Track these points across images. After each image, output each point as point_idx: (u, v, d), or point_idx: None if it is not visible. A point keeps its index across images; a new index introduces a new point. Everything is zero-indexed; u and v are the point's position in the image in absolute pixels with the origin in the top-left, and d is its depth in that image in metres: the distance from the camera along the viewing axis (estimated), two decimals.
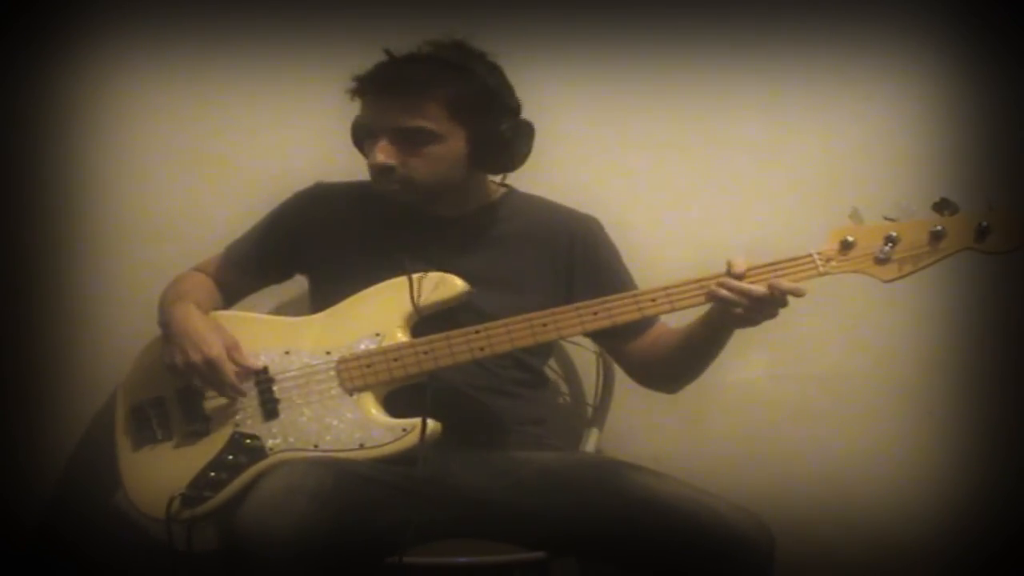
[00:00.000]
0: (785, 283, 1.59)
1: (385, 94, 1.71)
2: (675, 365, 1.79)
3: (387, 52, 1.73)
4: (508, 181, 1.86)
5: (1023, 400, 2.18)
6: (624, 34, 2.12)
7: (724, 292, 1.60)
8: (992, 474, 2.18)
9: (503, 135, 1.73)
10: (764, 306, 1.60)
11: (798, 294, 1.59)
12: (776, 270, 1.60)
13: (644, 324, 1.79)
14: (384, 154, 1.71)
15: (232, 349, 1.71)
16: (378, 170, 1.72)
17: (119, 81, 2.07)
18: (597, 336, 1.85)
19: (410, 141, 1.71)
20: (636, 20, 2.12)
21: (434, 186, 1.75)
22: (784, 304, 1.60)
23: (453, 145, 1.73)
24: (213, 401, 1.74)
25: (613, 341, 1.84)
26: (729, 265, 1.61)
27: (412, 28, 1.77)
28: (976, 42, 2.11)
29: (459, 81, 1.72)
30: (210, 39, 2.07)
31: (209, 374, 1.69)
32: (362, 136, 1.77)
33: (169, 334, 1.74)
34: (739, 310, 1.60)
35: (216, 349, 1.69)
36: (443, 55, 1.73)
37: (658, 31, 2.12)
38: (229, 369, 1.69)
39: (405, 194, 1.74)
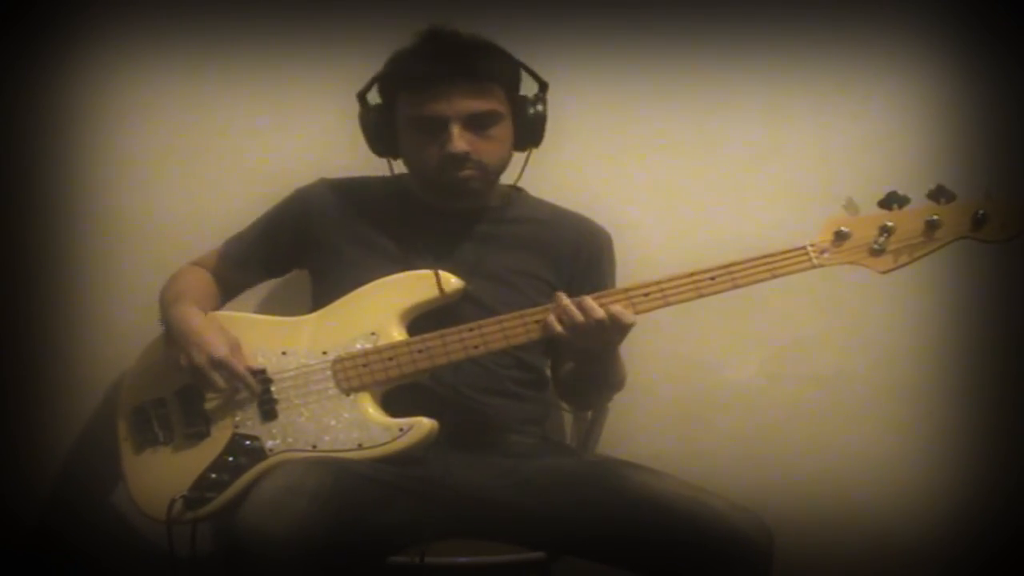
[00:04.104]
0: (596, 309, 1.60)
1: (456, 81, 1.70)
2: (573, 387, 1.85)
3: (436, 40, 1.73)
4: (504, 179, 1.86)
5: (1023, 400, 2.18)
6: (622, 34, 2.12)
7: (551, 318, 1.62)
8: (992, 474, 2.18)
9: (541, 112, 1.78)
10: (589, 330, 1.61)
11: (590, 317, 1.60)
12: (766, 263, 1.59)
13: None
14: (464, 141, 1.71)
15: (235, 349, 1.71)
16: (456, 158, 1.71)
17: (119, 81, 2.07)
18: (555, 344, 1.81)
19: (480, 125, 1.72)
20: (634, 20, 2.12)
21: (497, 170, 1.78)
22: (610, 326, 1.60)
23: (509, 125, 1.76)
24: (213, 402, 1.74)
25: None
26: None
27: (411, 28, 1.77)
28: (975, 42, 2.10)
29: (509, 61, 1.75)
30: (210, 39, 2.07)
31: (215, 375, 1.69)
32: (423, 127, 1.72)
33: (171, 335, 1.74)
34: (566, 331, 1.61)
35: (221, 350, 1.69)
36: (481, 39, 1.75)
37: (656, 31, 2.12)
38: (236, 368, 1.69)
39: (475, 180, 1.75)
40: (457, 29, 1.75)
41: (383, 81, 1.78)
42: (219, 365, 1.68)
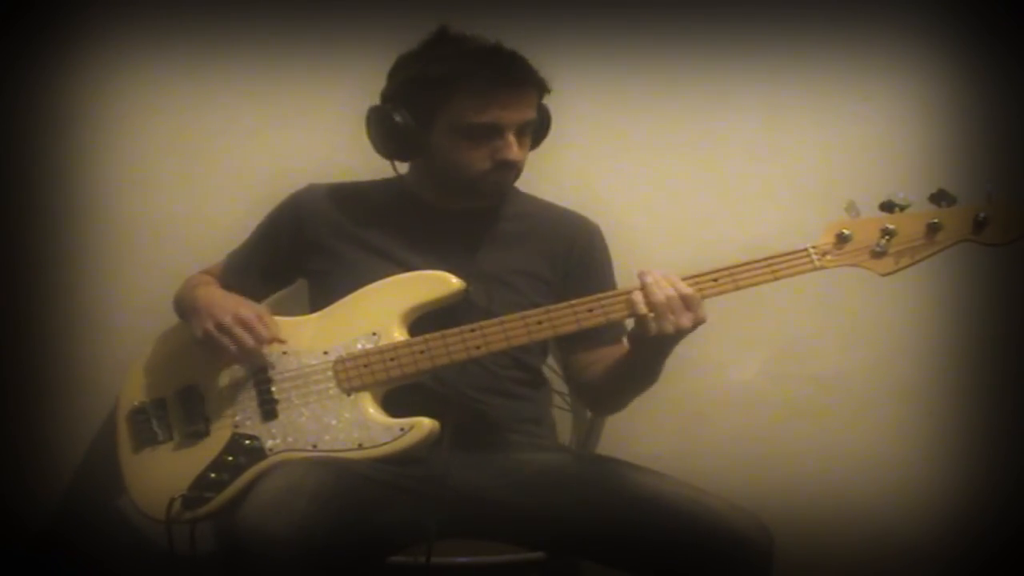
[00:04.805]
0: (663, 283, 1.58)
1: (522, 90, 1.72)
2: (604, 386, 1.79)
3: (497, 47, 1.74)
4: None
5: (1023, 400, 2.18)
6: (622, 35, 2.12)
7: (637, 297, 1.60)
8: (992, 474, 2.18)
9: (548, 119, 1.81)
10: (668, 311, 1.57)
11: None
12: (768, 265, 1.59)
13: (615, 334, 1.80)
14: (520, 148, 1.74)
15: (262, 315, 1.71)
16: (510, 165, 1.73)
17: (119, 81, 2.07)
18: (567, 341, 1.82)
19: (522, 132, 1.74)
20: (634, 19, 2.12)
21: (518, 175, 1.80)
22: (684, 312, 1.57)
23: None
24: (213, 402, 1.74)
25: (580, 348, 1.83)
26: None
27: (411, 28, 1.77)
28: (975, 42, 2.11)
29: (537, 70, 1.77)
30: (210, 39, 2.07)
31: (239, 331, 1.67)
32: (476, 133, 1.71)
33: (196, 308, 1.74)
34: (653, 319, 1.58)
35: (249, 311, 1.69)
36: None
37: (656, 30, 2.12)
38: (261, 325, 1.68)
39: (509, 184, 1.78)
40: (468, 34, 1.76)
41: (432, 83, 1.72)
42: (244, 322, 1.68)
